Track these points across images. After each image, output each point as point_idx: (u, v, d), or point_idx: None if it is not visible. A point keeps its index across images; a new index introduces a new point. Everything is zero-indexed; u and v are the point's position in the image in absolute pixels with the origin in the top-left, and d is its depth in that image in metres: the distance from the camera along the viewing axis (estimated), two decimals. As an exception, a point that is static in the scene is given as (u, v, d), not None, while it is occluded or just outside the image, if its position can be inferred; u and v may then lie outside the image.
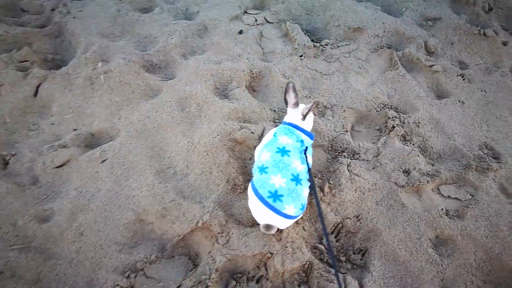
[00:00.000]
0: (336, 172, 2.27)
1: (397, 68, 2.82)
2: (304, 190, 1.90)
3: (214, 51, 2.93)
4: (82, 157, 2.33)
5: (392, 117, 2.54)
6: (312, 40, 3.06)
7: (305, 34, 3.09)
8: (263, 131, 2.43)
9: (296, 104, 2.09)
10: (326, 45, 2.98)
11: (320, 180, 2.26)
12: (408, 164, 2.32)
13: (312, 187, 1.92)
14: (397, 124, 2.49)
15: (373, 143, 2.48)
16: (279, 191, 1.81)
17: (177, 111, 2.56)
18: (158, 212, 2.13)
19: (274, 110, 2.66)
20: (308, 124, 2.13)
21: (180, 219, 2.10)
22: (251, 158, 2.37)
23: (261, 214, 1.87)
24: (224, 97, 2.70)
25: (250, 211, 2.01)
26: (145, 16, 3.17)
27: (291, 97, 2.09)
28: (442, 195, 2.24)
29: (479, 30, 3.05)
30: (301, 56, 2.90)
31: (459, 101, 2.69)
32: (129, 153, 2.37)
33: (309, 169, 1.94)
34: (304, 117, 2.07)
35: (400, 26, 3.10)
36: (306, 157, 1.97)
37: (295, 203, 1.83)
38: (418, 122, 2.54)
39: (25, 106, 2.62)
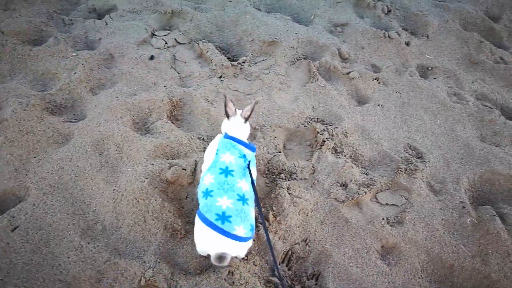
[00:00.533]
0: (277, 198, 2.21)
1: (317, 79, 2.84)
2: (251, 211, 1.84)
3: (126, 82, 2.69)
4: (-15, 230, 1.98)
5: (321, 131, 2.55)
6: (229, 58, 2.97)
7: (220, 52, 2.99)
8: (195, 166, 2.28)
9: (235, 112, 2.09)
10: (244, 62, 2.90)
11: (263, 209, 2.18)
12: (344, 177, 2.34)
13: (256, 201, 1.89)
14: (326, 138, 2.51)
15: (307, 160, 2.47)
16: (227, 212, 1.73)
17: (94, 156, 2.30)
18: (93, 277, 1.87)
19: (203, 139, 2.52)
20: (246, 129, 2.12)
21: (119, 281, 1.87)
22: (187, 197, 2.22)
23: (211, 241, 1.73)
24: (145, 132, 2.49)
25: (196, 257, 1.87)
26: (37, 49, 2.79)
27: (231, 108, 2.07)
28: (381, 203, 2.30)
29: (384, 33, 3.21)
30: (221, 77, 2.79)
31: (378, 105, 2.79)
32: (45, 214, 2.06)
33: (253, 183, 1.91)
34: (246, 119, 2.08)
35: (312, 35, 3.14)
36: (249, 170, 1.94)
37: (244, 224, 1.75)
38: (346, 132, 2.58)
39: None
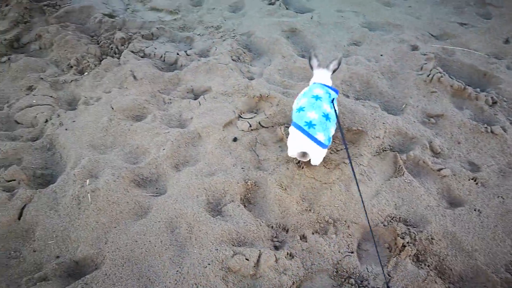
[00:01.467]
0: (343, 307, 1.99)
1: (403, 174, 2.63)
2: (332, 128, 2.47)
3: (208, 162, 2.79)
4: (61, 292, 2.10)
5: (402, 233, 2.30)
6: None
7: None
8: (259, 257, 2.19)
9: (320, 66, 2.74)
10: (325, 149, 2.83)
11: (325, 318, 1.98)
12: (425, 293, 2.04)
13: (340, 129, 2.52)
14: (407, 242, 2.24)
15: (382, 265, 2.21)
16: (313, 121, 2.37)
17: (166, 234, 2.36)
18: None
19: (272, 227, 2.45)
20: (329, 79, 2.73)
21: None
22: (247, 291, 2.12)
23: (299, 141, 2.41)
24: (217, 213, 2.51)
25: None
26: (137, 125, 3.10)
27: (314, 62, 2.76)
28: (469, 335, 1.92)
29: (486, 127, 2.90)
30: (298, 162, 2.75)
31: (475, 210, 2.45)
32: (113, 286, 2.14)
33: (335, 112, 2.52)
34: (333, 72, 2.75)
35: (402, 125, 2.97)
36: (334, 105, 2.53)
37: (324, 133, 2.38)
38: (432, 238, 2.29)
39: (8, 231, 2.46)
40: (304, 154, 2.46)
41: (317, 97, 2.49)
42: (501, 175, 2.66)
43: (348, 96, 3.31)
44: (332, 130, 2.48)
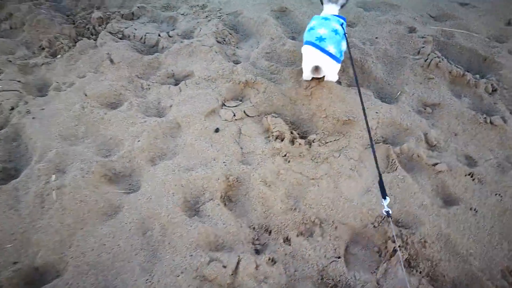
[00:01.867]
0: (327, 320, 1.82)
1: (396, 169, 2.44)
2: (343, 43, 2.64)
3: (186, 155, 2.58)
4: (16, 305, 1.92)
5: (393, 236, 2.12)
6: (298, 135, 2.70)
7: (290, 127, 2.74)
8: (238, 263, 2.01)
9: (330, 1, 2.83)
10: (313, 141, 2.62)
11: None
12: (417, 303, 1.87)
13: (350, 58, 2.61)
14: (399, 246, 2.07)
15: (371, 272, 2.04)
16: (323, 36, 2.53)
17: (137, 236, 2.17)
18: None
19: (254, 228, 2.26)
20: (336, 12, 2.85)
21: None
22: (223, 301, 1.94)
23: (311, 55, 2.56)
24: (194, 213, 2.32)
25: None
26: (111, 113, 2.86)
27: None
28: None
29: (485, 118, 2.69)
30: (285, 155, 2.54)
31: (470, 209, 2.27)
32: (74, 296, 1.96)
33: (345, 35, 2.69)
34: (342, 6, 2.87)
35: (396, 115, 2.76)
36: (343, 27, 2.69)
37: (335, 45, 2.53)
38: (425, 241, 2.11)
39: (-39, 233, 2.26)
40: (317, 69, 2.58)
41: (326, 18, 2.66)
42: (499, 171, 2.47)
43: (340, 83, 3.07)
44: (343, 45, 2.66)
